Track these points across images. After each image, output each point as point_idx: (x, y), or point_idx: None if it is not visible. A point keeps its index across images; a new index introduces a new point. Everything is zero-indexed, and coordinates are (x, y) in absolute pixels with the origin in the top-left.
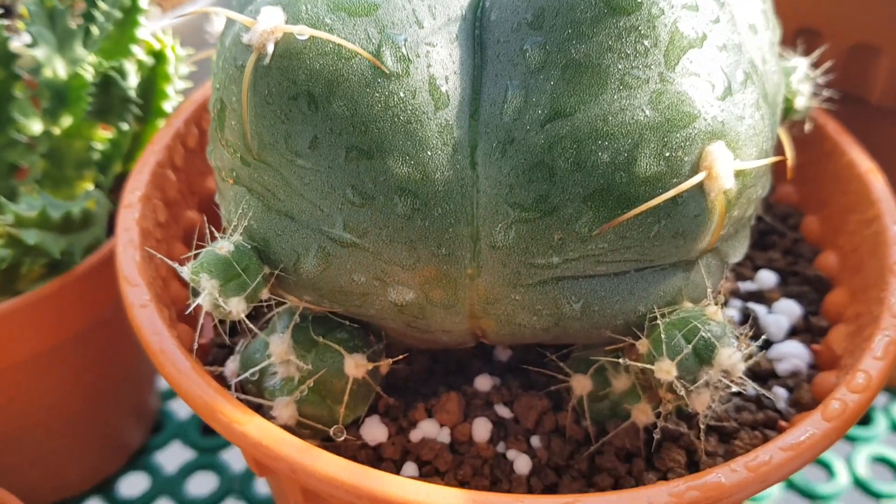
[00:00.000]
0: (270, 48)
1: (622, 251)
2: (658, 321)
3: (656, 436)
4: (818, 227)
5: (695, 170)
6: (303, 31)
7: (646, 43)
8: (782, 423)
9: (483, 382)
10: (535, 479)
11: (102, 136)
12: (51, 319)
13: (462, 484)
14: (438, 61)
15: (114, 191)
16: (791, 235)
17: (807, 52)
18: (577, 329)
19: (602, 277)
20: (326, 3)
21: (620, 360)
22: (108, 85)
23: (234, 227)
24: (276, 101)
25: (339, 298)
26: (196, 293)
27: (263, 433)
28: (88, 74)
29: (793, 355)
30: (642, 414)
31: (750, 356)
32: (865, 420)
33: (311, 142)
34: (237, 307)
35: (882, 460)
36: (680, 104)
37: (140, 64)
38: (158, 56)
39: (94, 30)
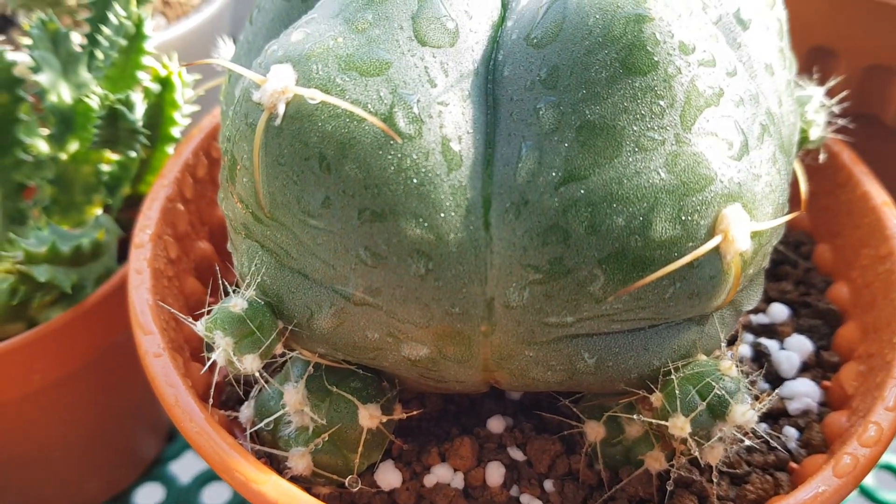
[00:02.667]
0: (282, 109)
1: (637, 311)
2: (672, 375)
3: (669, 487)
4: (831, 257)
5: (710, 233)
6: (314, 96)
7: (662, 103)
8: (793, 464)
9: (496, 424)
10: None
11: (110, 158)
12: (63, 350)
13: None
14: (451, 121)
15: (123, 210)
16: (803, 265)
17: (821, 72)
18: (591, 382)
19: (616, 334)
20: (337, 63)
21: (634, 417)
22: (114, 118)
23: (248, 283)
24: (288, 163)
25: (352, 352)
26: (211, 348)
27: (280, 494)
28: (94, 103)
29: (804, 394)
30: (655, 461)
31: (762, 408)
32: None
33: (324, 203)
34: (251, 365)
35: (888, 468)
36: (696, 166)
37: (147, 91)
38: (165, 83)
39: (99, 53)
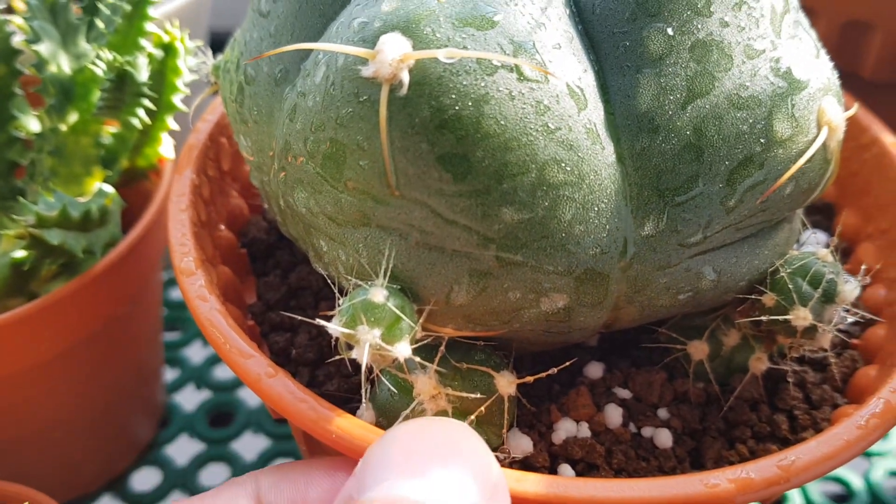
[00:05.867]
0: (406, 77)
1: (759, 214)
2: (780, 273)
3: (790, 379)
4: None
5: (818, 125)
6: (452, 54)
7: (755, 14)
8: (854, 340)
9: (594, 370)
10: (679, 448)
11: (108, 131)
12: (69, 320)
13: (618, 472)
14: (568, 62)
15: (120, 186)
16: None
17: None
18: (709, 299)
19: (734, 244)
20: (451, 22)
21: (740, 322)
22: (122, 81)
23: (380, 270)
24: (423, 131)
25: (486, 320)
26: (348, 347)
27: None
28: (100, 70)
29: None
30: (760, 363)
31: (859, 284)
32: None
33: (462, 164)
34: (404, 350)
35: None
36: (795, 67)
37: (150, 57)
38: (168, 49)
39: (99, 23)
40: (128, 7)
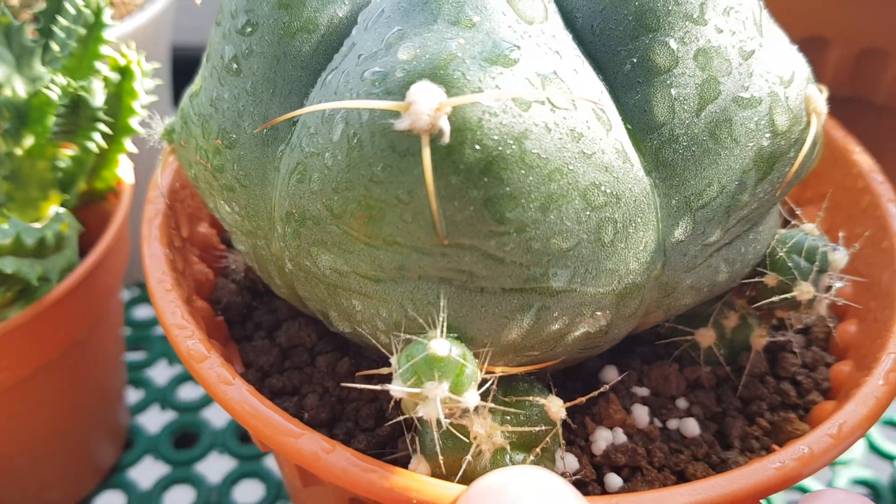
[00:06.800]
0: (447, 126)
1: (767, 204)
2: (779, 254)
3: (796, 350)
4: None
5: (808, 112)
6: (499, 97)
7: (741, 17)
8: (837, 306)
9: (610, 374)
10: (706, 434)
11: (65, 154)
12: (26, 347)
13: (660, 469)
14: (588, 86)
15: (78, 209)
16: None
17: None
18: (721, 289)
19: (741, 235)
20: (477, 63)
21: (737, 302)
22: (77, 106)
23: (434, 322)
24: (469, 177)
25: (533, 352)
26: (412, 406)
27: None
28: (54, 94)
29: None
30: (761, 339)
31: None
32: None
33: (512, 204)
34: (474, 398)
35: (862, 483)
36: (784, 61)
37: (106, 80)
38: (124, 72)
39: (54, 46)
40: (82, 31)
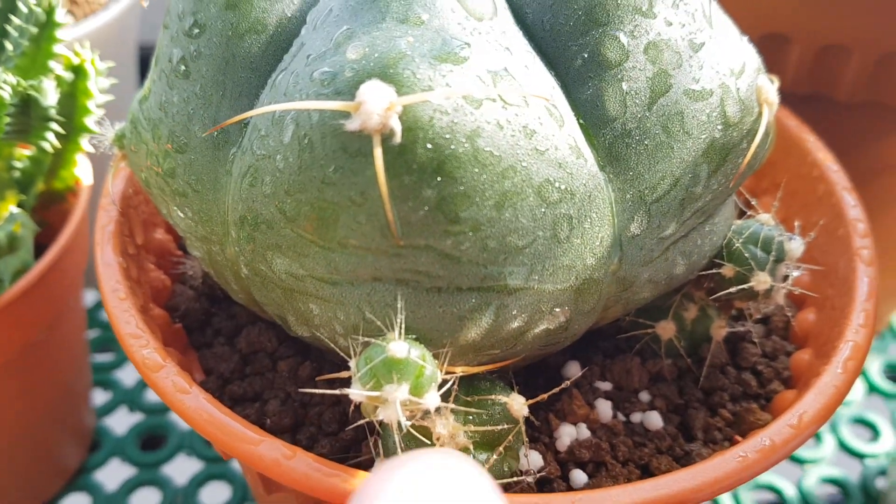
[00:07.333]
0: (398, 125)
1: (721, 195)
2: (735, 245)
3: (756, 340)
4: None
5: (759, 103)
6: (450, 95)
7: (689, 9)
8: (795, 294)
9: (573, 369)
10: (668, 426)
11: (22, 154)
12: None
13: (624, 464)
14: (539, 82)
15: (38, 209)
16: None
17: (773, 58)
18: (679, 281)
19: (697, 228)
20: (427, 61)
21: (696, 294)
22: (27, 105)
23: (392, 324)
24: (422, 176)
25: (493, 350)
26: (371, 409)
27: None
28: (6, 94)
29: None
30: (721, 329)
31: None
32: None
33: (466, 202)
34: (433, 400)
35: (832, 481)
36: (734, 53)
37: (59, 80)
38: (78, 71)
39: (8, 45)
40: (34, 30)
